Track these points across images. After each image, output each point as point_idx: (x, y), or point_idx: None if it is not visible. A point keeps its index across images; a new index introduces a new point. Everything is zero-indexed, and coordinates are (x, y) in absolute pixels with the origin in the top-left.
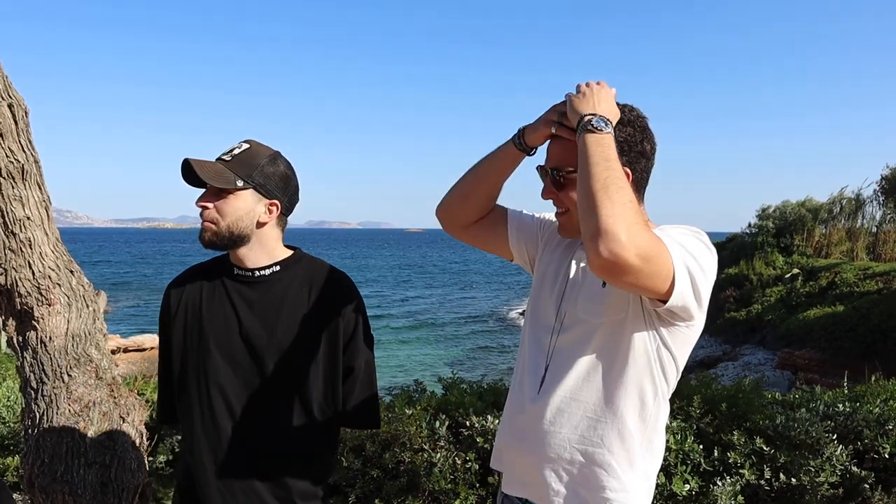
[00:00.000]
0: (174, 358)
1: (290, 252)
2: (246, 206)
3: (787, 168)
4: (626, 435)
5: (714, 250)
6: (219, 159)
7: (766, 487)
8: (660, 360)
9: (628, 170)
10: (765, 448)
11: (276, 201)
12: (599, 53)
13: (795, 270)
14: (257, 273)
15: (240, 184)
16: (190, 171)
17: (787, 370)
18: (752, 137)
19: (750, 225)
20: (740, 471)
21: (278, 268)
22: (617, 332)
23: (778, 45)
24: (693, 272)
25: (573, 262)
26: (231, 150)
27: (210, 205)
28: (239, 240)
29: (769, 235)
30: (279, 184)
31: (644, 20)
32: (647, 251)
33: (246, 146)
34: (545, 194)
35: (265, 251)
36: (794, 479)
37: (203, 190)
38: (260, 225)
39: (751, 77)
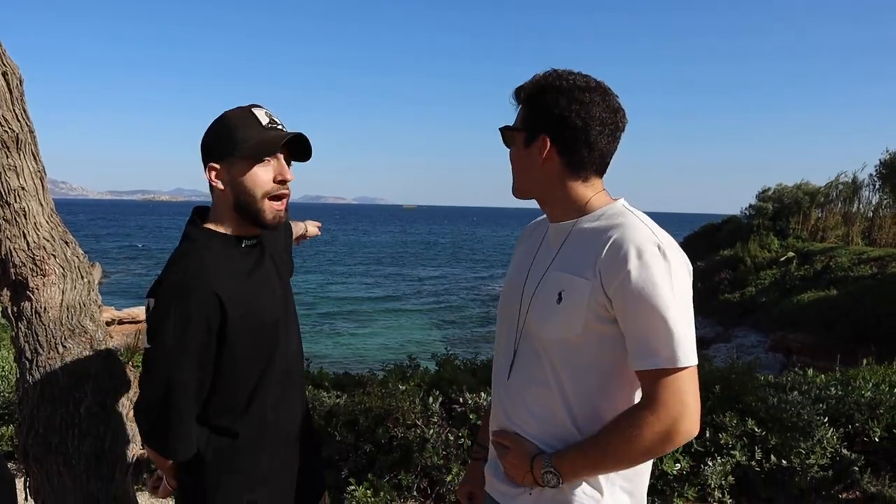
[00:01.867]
0: (240, 367)
1: None
2: None
3: (794, 151)
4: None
5: (683, 259)
6: (281, 129)
7: (757, 469)
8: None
9: (548, 138)
10: (756, 429)
11: None
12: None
13: (790, 254)
14: (256, 241)
15: None
16: (300, 147)
17: (780, 353)
18: (759, 116)
19: (749, 207)
20: (731, 452)
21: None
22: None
23: (789, 18)
24: (689, 325)
25: (539, 250)
26: (279, 121)
27: None
28: None
29: (765, 218)
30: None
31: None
32: (695, 409)
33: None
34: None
35: None
36: (784, 461)
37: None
38: None
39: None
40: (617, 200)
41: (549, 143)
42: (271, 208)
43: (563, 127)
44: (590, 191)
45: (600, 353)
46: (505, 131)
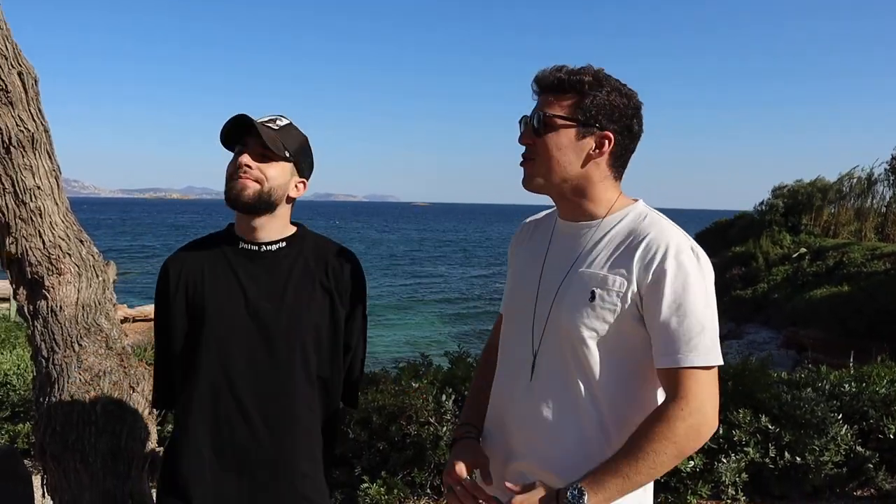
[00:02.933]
0: (176, 336)
1: (294, 229)
2: (284, 176)
3: (810, 146)
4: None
5: (710, 264)
6: (262, 124)
7: (771, 466)
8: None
9: (610, 134)
10: (770, 426)
11: (305, 181)
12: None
13: (802, 250)
14: (264, 248)
15: (286, 154)
16: (241, 128)
17: (793, 349)
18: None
19: (762, 203)
20: (745, 449)
21: (285, 244)
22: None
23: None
24: (717, 326)
25: (550, 249)
26: (274, 121)
27: (254, 165)
28: (271, 206)
29: (778, 214)
30: (310, 167)
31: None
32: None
33: (286, 121)
34: (522, 141)
35: (279, 226)
36: (798, 458)
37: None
38: (289, 199)
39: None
40: (637, 201)
41: (612, 142)
42: (231, 185)
43: (626, 130)
44: (617, 192)
45: (631, 350)
46: (555, 119)
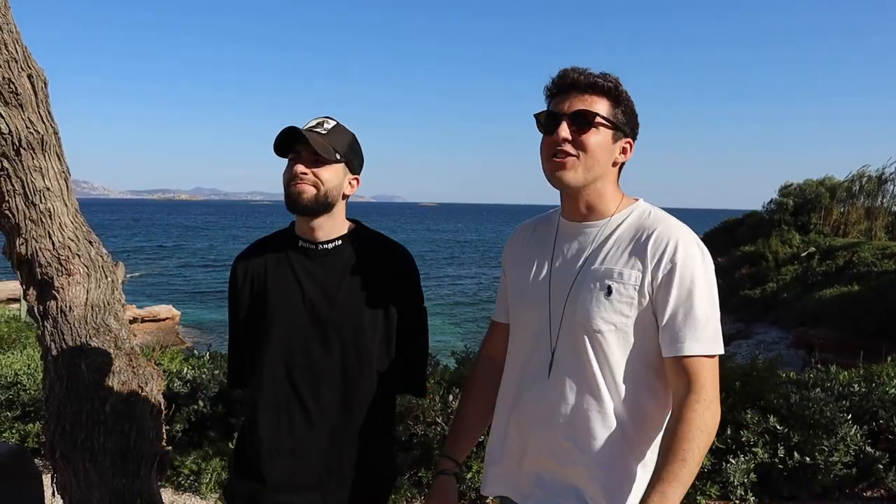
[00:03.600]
0: (243, 327)
1: (350, 225)
2: (338, 177)
3: (819, 145)
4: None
5: (710, 257)
6: (310, 130)
7: (780, 466)
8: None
9: (632, 141)
10: (778, 427)
11: (357, 177)
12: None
13: (811, 249)
14: (321, 246)
15: (337, 157)
16: (290, 138)
17: (802, 349)
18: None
19: (770, 202)
20: (753, 449)
21: (340, 241)
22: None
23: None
24: (717, 317)
25: (558, 253)
26: (321, 124)
27: (309, 171)
28: (329, 206)
29: (787, 213)
30: (360, 163)
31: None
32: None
33: (333, 122)
34: (560, 135)
35: (335, 224)
36: (807, 458)
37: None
38: (343, 196)
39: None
40: (638, 200)
41: (632, 149)
42: (289, 190)
43: (636, 134)
44: (621, 192)
45: (647, 341)
46: (600, 119)
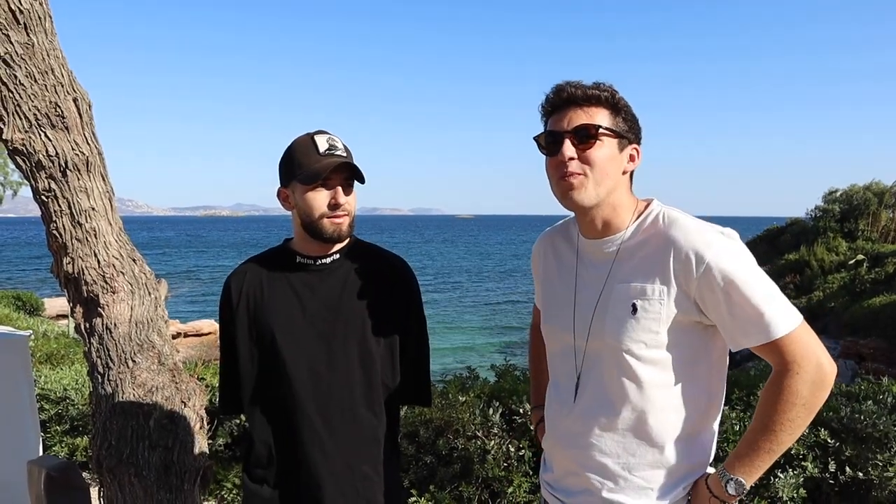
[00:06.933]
0: (241, 349)
1: (347, 239)
2: (356, 198)
3: (864, 149)
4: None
5: (738, 237)
6: (335, 156)
7: (831, 481)
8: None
9: (639, 147)
10: (829, 441)
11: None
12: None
13: (860, 256)
14: (319, 261)
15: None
16: (343, 170)
17: (851, 359)
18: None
19: (815, 208)
20: (802, 463)
21: (338, 256)
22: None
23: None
24: (777, 289)
25: (580, 268)
26: (335, 146)
27: (345, 200)
28: (352, 230)
29: (832, 220)
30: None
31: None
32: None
33: (339, 139)
34: (566, 154)
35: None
36: (860, 474)
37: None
38: None
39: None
40: (651, 202)
41: (639, 154)
42: (330, 223)
43: (640, 139)
44: (635, 199)
45: (679, 355)
46: (603, 131)
